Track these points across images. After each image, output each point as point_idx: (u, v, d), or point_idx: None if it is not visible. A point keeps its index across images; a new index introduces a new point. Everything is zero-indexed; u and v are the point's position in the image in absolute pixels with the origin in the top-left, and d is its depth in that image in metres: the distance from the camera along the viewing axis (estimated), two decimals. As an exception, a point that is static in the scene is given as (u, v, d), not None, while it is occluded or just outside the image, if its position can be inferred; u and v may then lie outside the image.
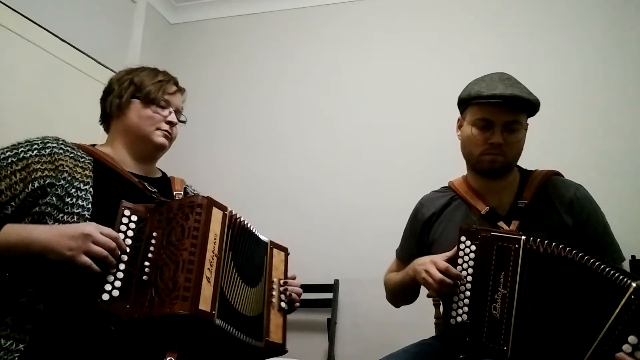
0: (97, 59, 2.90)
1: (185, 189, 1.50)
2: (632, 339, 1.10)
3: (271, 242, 1.42)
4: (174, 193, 1.42)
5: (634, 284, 1.12)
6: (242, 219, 1.30)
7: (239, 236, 1.28)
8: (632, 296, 1.11)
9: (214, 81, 3.35)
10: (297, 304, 1.44)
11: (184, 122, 1.49)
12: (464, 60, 2.79)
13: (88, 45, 2.85)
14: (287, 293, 1.40)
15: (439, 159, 2.49)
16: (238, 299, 1.23)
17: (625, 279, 1.14)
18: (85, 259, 1.08)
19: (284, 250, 1.47)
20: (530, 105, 1.43)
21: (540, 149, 2.46)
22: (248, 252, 1.32)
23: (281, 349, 1.33)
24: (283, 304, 1.39)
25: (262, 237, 1.40)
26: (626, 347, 1.10)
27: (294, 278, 1.46)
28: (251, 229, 1.34)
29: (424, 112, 2.85)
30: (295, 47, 3.24)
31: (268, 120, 3.17)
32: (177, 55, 3.44)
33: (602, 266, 1.19)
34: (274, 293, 1.37)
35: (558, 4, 2.81)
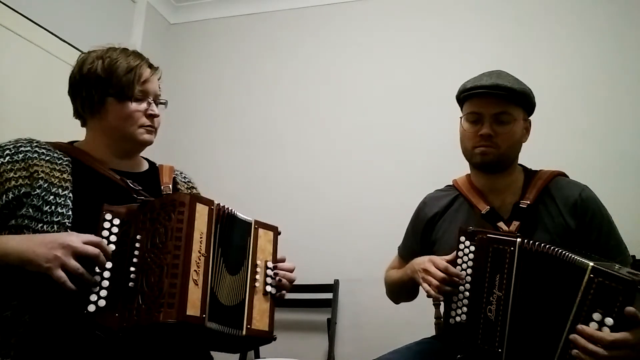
0: (97, 59, 2.89)
1: (175, 178, 1.42)
2: (596, 315, 1.12)
3: (256, 221, 1.28)
4: (162, 187, 1.34)
5: (591, 263, 1.14)
6: (228, 209, 1.21)
7: (227, 228, 1.20)
8: (591, 275, 1.13)
9: (213, 81, 3.35)
10: (285, 290, 1.30)
11: (164, 104, 1.37)
12: (464, 60, 2.79)
13: (88, 45, 2.79)
14: (277, 278, 1.27)
15: (439, 159, 2.49)
16: (224, 292, 1.16)
17: (583, 260, 1.16)
18: (60, 274, 1.02)
19: (273, 229, 1.32)
20: (518, 96, 1.42)
21: (540, 149, 2.47)
22: (234, 240, 1.22)
23: (267, 337, 1.23)
24: (269, 288, 1.25)
25: (246, 218, 1.27)
26: (593, 325, 1.12)
27: (283, 260, 1.32)
28: (234, 213, 1.23)
29: (424, 112, 2.85)
30: (295, 47, 3.24)
31: (268, 120, 3.18)
32: (177, 55, 3.44)
33: (565, 253, 1.19)
34: (258, 277, 1.24)
35: (558, 4, 2.81)
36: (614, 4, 2.71)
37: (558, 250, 1.21)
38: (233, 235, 1.22)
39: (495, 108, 1.42)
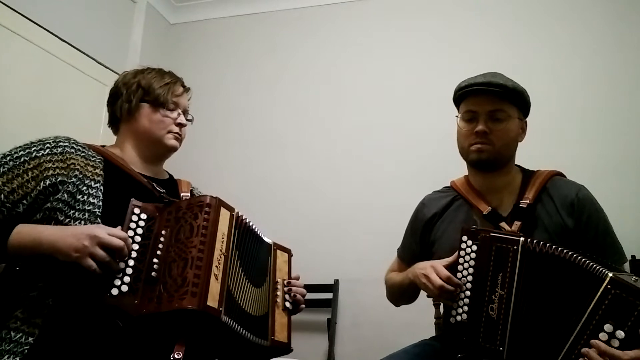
0: (97, 59, 2.90)
1: (191, 191, 1.52)
2: (608, 327, 1.12)
3: (275, 243, 1.44)
4: (181, 194, 1.45)
5: (610, 274, 1.14)
6: (247, 221, 1.33)
7: (245, 237, 1.31)
8: (609, 285, 1.13)
9: (213, 81, 3.35)
10: (302, 305, 1.47)
11: (191, 121, 1.52)
12: (464, 60, 2.79)
13: (88, 45, 2.85)
14: (292, 294, 1.42)
15: (439, 159, 2.49)
16: (244, 297, 1.25)
17: (602, 269, 1.16)
18: (90, 262, 1.09)
19: (287, 251, 1.49)
20: (512, 94, 1.44)
21: (540, 149, 2.47)
22: (253, 252, 1.34)
23: (287, 348, 1.35)
24: (287, 304, 1.40)
25: (266, 239, 1.42)
26: (602, 336, 1.12)
27: (297, 278, 1.48)
28: (256, 230, 1.36)
29: (424, 112, 2.85)
30: (295, 47, 3.24)
31: (268, 120, 3.18)
32: (177, 55, 3.44)
33: (583, 259, 1.20)
34: (279, 293, 1.39)
35: (558, 4, 2.81)
36: (613, 4, 2.72)
37: (573, 254, 1.22)
38: (255, 250, 1.36)
39: (490, 105, 1.44)
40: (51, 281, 1.16)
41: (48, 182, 1.20)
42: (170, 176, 1.54)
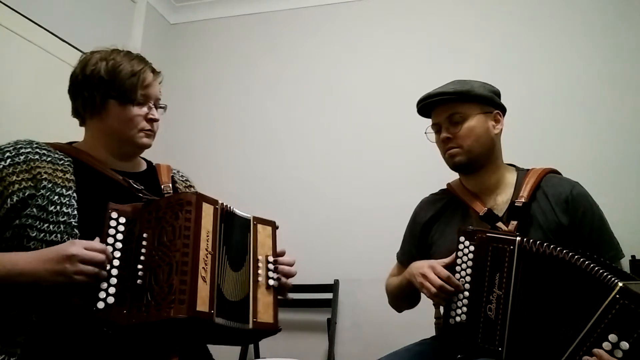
0: (97, 59, 2.89)
1: (173, 177, 1.44)
2: (612, 337, 1.10)
3: (255, 217, 1.31)
4: (162, 186, 1.36)
5: (620, 283, 1.13)
6: (229, 207, 1.23)
7: (229, 226, 1.22)
8: (617, 295, 1.12)
9: (213, 81, 3.35)
10: (289, 281, 1.33)
11: (163, 108, 1.38)
12: (464, 61, 2.79)
13: (88, 45, 2.81)
14: (278, 271, 1.30)
15: (439, 159, 2.48)
16: (229, 288, 1.19)
17: (612, 278, 1.15)
18: (79, 277, 1.05)
19: (271, 224, 1.35)
20: (460, 95, 1.47)
21: (540, 149, 2.47)
22: (235, 237, 1.25)
23: (273, 329, 1.26)
24: (272, 282, 1.28)
25: (245, 215, 1.29)
26: (606, 345, 1.11)
27: (283, 253, 1.34)
28: (233, 210, 1.25)
29: (424, 112, 2.85)
30: (295, 47, 3.24)
31: (268, 120, 3.18)
32: (177, 55, 3.44)
33: (592, 265, 1.19)
34: (261, 272, 1.27)
35: (558, 4, 2.81)
36: (613, 3, 2.72)
37: (576, 256, 1.21)
38: (234, 232, 1.24)
39: (444, 112, 1.50)
40: (33, 297, 1.09)
41: (15, 198, 1.11)
42: (149, 165, 1.44)
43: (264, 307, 1.25)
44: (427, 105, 1.55)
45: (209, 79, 3.35)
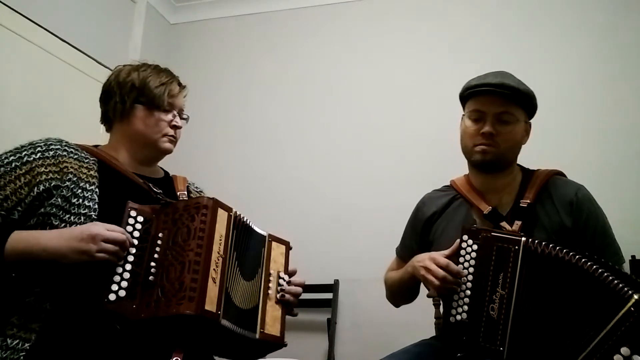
0: (97, 59, 2.89)
1: (188, 187, 1.50)
2: (624, 350, 1.09)
3: (270, 235, 1.39)
4: (178, 193, 1.42)
5: (635, 296, 1.11)
6: (245, 219, 1.30)
7: (243, 236, 1.28)
8: (632, 308, 1.10)
9: (213, 81, 3.34)
10: (294, 300, 1.39)
11: (186, 120, 1.48)
12: (464, 60, 2.79)
13: (88, 45, 2.84)
14: (288, 288, 1.36)
15: (439, 159, 2.49)
16: (237, 294, 1.23)
17: (627, 290, 1.13)
18: (101, 255, 1.10)
19: (285, 243, 1.43)
20: (522, 97, 1.43)
21: (540, 149, 2.47)
22: (249, 247, 1.31)
23: (279, 342, 1.30)
24: (281, 296, 1.35)
25: (261, 231, 1.37)
26: (617, 358, 1.09)
27: (294, 273, 1.42)
28: (249, 224, 1.32)
29: (424, 112, 2.85)
30: (295, 47, 3.24)
31: (268, 120, 3.18)
32: (177, 55, 3.43)
33: (605, 273, 1.17)
34: (272, 285, 1.33)
35: (558, 4, 2.81)
36: (614, 3, 2.72)
37: (588, 262, 1.20)
38: (249, 244, 1.30)
39: (499, 107, 1.43)
40: (48, 286, 1.14)
41: (42, 187, 1.18)
42: (166, 173, 1.52)
43: (272, 320, 1.29)
44: (482, 91, 1.44)
45: (209, 79, 3.35)
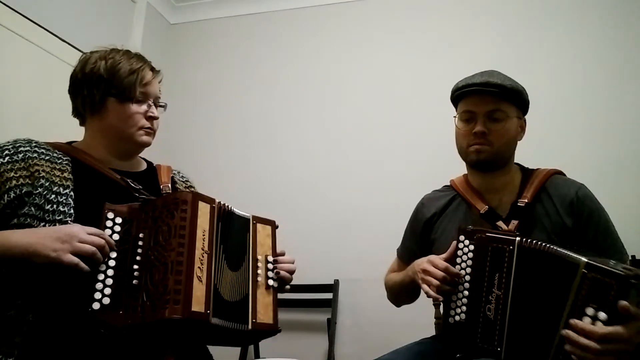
0: (97, 59, 2.89)
1: (173, 177, 1.43)
2: (590, 310, 1.11)
3: (254, 217, 1.30)
4: (161, 186, 1.35)
5: (584, 258, 1.14)
6: (229, 207, 1.23)
7: (227, 225, 1.21)
8: (585, 270, 1.13)
9: (213, 81, 3.35)
10: (288, 284, 1.33)
11: (163, 107, 1.37)
12: (464, 60, 2.78)
13: (88, 45, 2.80)
14: (276, 271, 1.28)
15: (439, 159, 2.49)
16: (227, 288, 1.17)
17: (577, 256, 1.16)
18: (72, 257, 1.03)
19: (270, 223, 1.34)
20: (510, 93, 1.43)
21: (540, 149, 2.47)
22: (233, 236, 1.23)
23: (273, 329, 1.24)
24: (271, 282, 1.27)
25: (244, 214, 1.28)
26: (586, 320, 1.11)
27: (283, 254, 1.33)
28: (232, 209, 1.24)
29: (424, 112, 2.85)
30: (295, 47, 3.24)
31: (268, 120, 3.18)
32: (177, 55, 3.44)
33: (559, 249, 1.20)
34: (260, 272, 1.25)
35: (558, 4, 2.81)
36: (614, 3, 2.71)
37: (552, 247, 1.22)
38: (233, 231, 1.23)
39: (488, 105, 1.43)
40: (30, 297, 1.09)
41: (12, 194, 1.11)
42: (149, 165, 1.43)
43: (263, 308, 1.23)
44: (470, 91, 1.45)
45: (209, 79, 3.35)
